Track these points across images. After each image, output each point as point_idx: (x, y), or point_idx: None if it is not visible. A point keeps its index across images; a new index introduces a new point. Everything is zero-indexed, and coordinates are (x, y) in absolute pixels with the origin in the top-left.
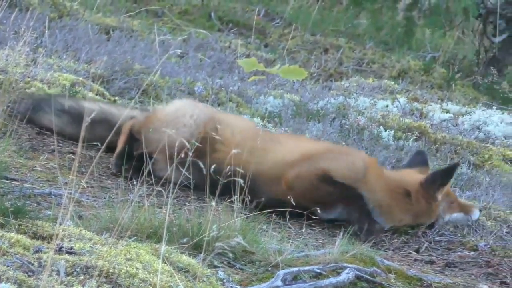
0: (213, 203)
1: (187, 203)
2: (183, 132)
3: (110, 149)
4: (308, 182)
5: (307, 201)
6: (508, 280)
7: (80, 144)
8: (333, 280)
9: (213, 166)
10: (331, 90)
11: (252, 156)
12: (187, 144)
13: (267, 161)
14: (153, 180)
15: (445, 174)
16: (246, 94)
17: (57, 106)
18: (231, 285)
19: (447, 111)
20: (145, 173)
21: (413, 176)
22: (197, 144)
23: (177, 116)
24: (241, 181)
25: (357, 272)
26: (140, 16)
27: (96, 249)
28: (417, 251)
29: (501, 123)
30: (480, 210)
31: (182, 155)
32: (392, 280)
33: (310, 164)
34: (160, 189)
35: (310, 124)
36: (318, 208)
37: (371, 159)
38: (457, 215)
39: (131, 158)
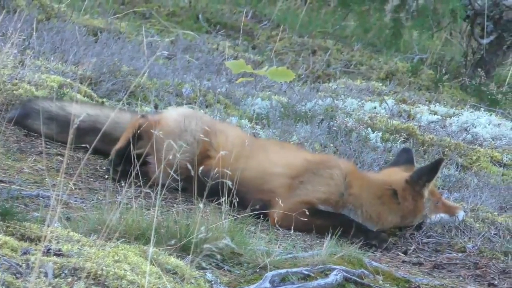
0: (201, 205)
1: (175, 205)
2: (186, 152)
3: (98, 151)
4: (296, 220)
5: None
6: (496, 282)
7: (68, 146)
8: (321, 281)
9: (200, 168)
10: (319, 91)
11: (238, 162)
12: (189, 166)
13: (252, 168)
14: (141, 182)
15: (431, 170)
16: (234, 95)
17: (45, 114)
18: (219, 287)
19: (435, 113)
20: (133, 174)
21: (398, 174)
22: (184, 145)
23: (181, 130)
24: (230, 183)
25: (345, 274)
26: (128, 17)
27: (84, 251)
28: (405, 252)
29: (488, 124)
30: (465, 211)
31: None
32: (380, 282)
33: (294, 198)
34: (148, 191)
35: (298, 126)
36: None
37: (350, 166)
38: (442, 216)
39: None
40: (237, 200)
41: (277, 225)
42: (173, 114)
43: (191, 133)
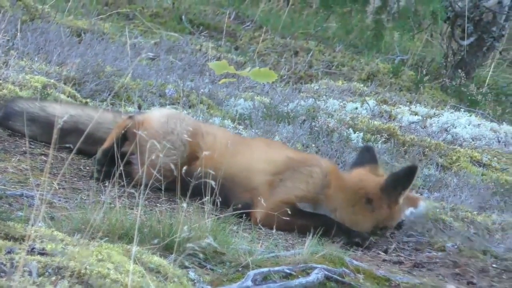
0: (185, 205)
1: (158, 205)
2: (172, 154)
3: (81, 151)
4: (278, 219)
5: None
6: (475, 280)
7: (52, 146)
8: (302, 280)
9: (184, 168)
10: (301, 92)
11: (223, 159)
12: (172, 167)
13: (237, 164)
14: (125, 182)
15: (406, 178)
16: (217, 96)
17: (27, 115)
18: (202, 285)
19: (416, 114)
20: (117, 174)
21: (370, 179)
22: (168, 146)
23: (166, 131)
24: (213, 182)
25: (326, 273)
26: (111, 19)
27: (68, 250)
28: (385, 251)
29: (468, 125)
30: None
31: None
32: (361, 280)
33: (275, 197)
34: (132, 190)
35: (280, 126)
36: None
37: (331, 166)
38: (411, 210)
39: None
40: (220, 199)
41: (259, 225)
42: (156, 115)
43: (177, 135)
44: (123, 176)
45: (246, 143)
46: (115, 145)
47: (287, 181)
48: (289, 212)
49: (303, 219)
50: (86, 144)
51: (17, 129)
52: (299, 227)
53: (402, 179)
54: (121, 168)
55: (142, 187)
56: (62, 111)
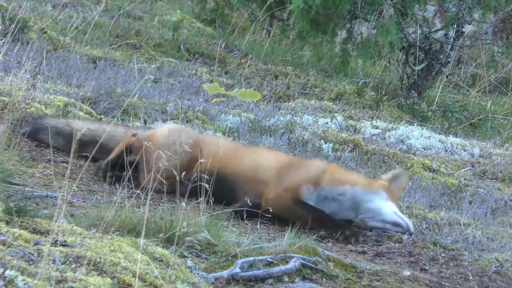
0: (183, 204)
1: (161, 204)
2: (175, 159)
3: (96, 159)
4: (281, 205)
5: (285, 217)
6: (427, 267)
7: (72, 155)
8: (282, 267)
9: (183, 173)
10: (280, 109)
11: (231, 159)
12: (175, 172)
13: (245, 163)
14: (133, 185)
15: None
16: (210, 113)
17: (53, 130)
18: (198, 272)
19: (377, 127)
20: (126, 179)
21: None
22: (169, 154)
23: (169, 143)
24: (207, 185)
25: (302, 261)
26: (121, 48)
27: (85, 242)
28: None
29: (421, 137)
30: None
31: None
32: (331, 268)
33: (280, 185)
34: (139, 192)
35: (263, 138)
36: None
37: (331, 164)
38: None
39: (116, 167)
40: (213, 199)
41: (268, 206)
42: (160, 130)
43: (179, 145)
44: (132, 180)
45: (250, 148)
46: (122, 156)
47: (292, 172)
48: (293, 200)
49: (304, 210)
50: (101, 153)
51: (44, 141)
52: (299, 217)
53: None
54: (129, 173)
55: (150, 190)
56: (83, 126)
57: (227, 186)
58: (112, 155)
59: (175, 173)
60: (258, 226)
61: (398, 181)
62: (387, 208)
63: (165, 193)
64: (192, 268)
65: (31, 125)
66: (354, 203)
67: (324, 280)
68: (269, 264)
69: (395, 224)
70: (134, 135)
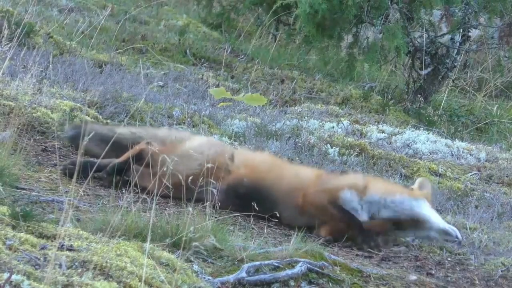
0: (190, 208)
1: (167, 208)
2: (194, 168)
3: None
4: (320, 202)
5: (317, 218)
6: (433, 272)
7: (79, 157)
8: (288, 272)
9: (189, 179)
10: (286, 114)
11: (270, 172)
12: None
13: (285, 176)
14: (139, 189)
15: None
16: (216, 117)
17: (97, 136)
18: (204, 276)
19: (383, 132)
20: (132, 184)
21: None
22: (175, 158)
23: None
24: (214, 190)
25: (308, 265)
26: (128, 53)
27: (92, 246)
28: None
29: (427, 141)
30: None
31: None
32: (338, 272)
33: (319, 187)
34: (145, 196)
35: (269, 142)
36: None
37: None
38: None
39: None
40: (219, 205)
41: (305, 201)
42: (193, 141)
43: (205, 155)
44: (138, 185)
45: (287, 163)
46: (130, 161)
47: (333, 178)
48: (328, 199)
49: (337, 211)
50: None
51: (86, 147)
52: (332, 216)
53: None
54: (136, 178)
55: (154, 194)
56: (126, 130)
57: (261, 196)
58: (121, 158)
59: (180, 177)
60: (265, 231)
61: (425, 189)
62: (434, 216)
63: (171, 198)
64: (198, 273)
65: (74, 130)
66: (407, 210)
67: (331, 284)
68: (276, 268)
69: (445, 232)
70: (147, 142)
